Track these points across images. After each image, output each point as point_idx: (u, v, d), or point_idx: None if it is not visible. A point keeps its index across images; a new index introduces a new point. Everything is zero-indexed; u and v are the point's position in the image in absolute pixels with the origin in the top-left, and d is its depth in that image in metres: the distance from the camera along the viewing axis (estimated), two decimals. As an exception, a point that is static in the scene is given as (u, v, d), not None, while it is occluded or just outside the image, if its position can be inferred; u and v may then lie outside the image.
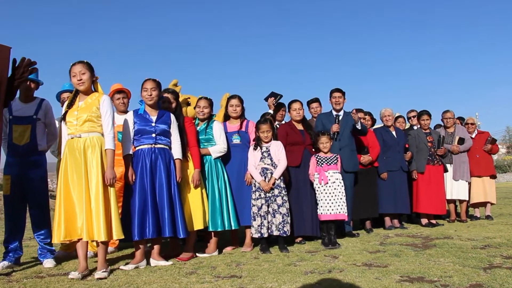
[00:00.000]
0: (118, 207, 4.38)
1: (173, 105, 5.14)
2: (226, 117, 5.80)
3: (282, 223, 5.15)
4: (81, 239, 4.20)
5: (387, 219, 7.00)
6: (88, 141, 4.25)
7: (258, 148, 5.34)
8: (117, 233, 4.28)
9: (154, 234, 4.49)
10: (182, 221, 4.64)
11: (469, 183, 7.68)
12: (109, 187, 4.27)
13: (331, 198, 5.51)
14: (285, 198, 5.27)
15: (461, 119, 8.55)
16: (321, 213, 5.54)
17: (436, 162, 7.26)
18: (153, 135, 4.68)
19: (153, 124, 4.70)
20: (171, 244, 5.33)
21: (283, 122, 6.78)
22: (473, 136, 7.95)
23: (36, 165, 4.95)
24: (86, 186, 4.16)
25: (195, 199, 5.01)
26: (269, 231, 5.19)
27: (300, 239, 5.85)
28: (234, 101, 5.68)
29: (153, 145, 4.67)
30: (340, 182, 5.59)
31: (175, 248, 5.27)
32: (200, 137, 5.33)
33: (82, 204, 4.14)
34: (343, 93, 6.44)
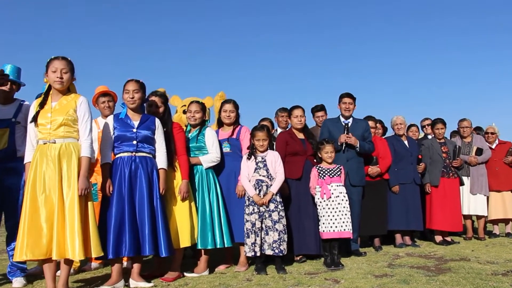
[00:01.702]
0: (96, 221, 3.94)
1: (161, 109, 4.70)
2: (220, 123, 5.33)
3: (278, 241, 4.65)
4: (49, 258, 3.75)
5: (398, 236, 6.45)
6: (63, 147, 3.82)
7: (252, 157, 4.85)
8: (96, 251, 3.84)
9: (131, 252, 4.03)
10: (164, 238, 4.17)
11: (487, 198, 7.09)
12: (86, 200, 3.85)
13: (334, 214, 4.99)
14: (282, 213, 4.76)
15: (478, 129, 7.93)
16: (323, 230, 5.02)
17: (451, 174, 6.69)
18: (134, 142, 4.23)
19: (134, 130, 4.25)
20: (156, 262, 4.85)
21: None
22: (493, 146, 7.35)
23: (14, 172, 4.53)
24: (60, 198, 3.73)
25: (182, 213, 4.54)
26: (261, 249, 4.69)
27: (300, 256, 5.33)
28: (228, 106, 5.22)
29: (134, 153, 4.22)
30: (344, 196, 5.08)
31: (160, 266, 4.79)
32: (190, 145, 4.88)
33: (53, 219, 3.71)
34: (354, 99, 5.93)
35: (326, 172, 5.14)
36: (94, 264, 5.23)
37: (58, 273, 4.03)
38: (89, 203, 3.86)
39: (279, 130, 6.43)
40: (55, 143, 3.82)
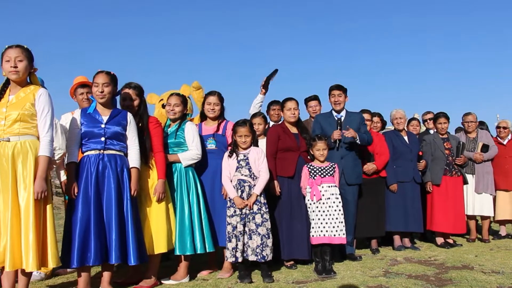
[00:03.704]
0: (54, 227, 3.57)
1: (136, 102, 4.30)
2: (203, 117, 4.93)
3: (261, 246, 4.26)
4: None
5: (396, 237, 6.04)
6: (18, 146, 3.44)
7: (234, 155, 4.45)
8: (53, 260, 3.46)
9: (97, 260, 3.64)
10: (134, 245, 3.78)
11: (494, 197, 6.66)
12: (45, 204, 3.48)
13: (325, 217, 4.60)
14: (266, 216, 4.37)
15: (481, 124, 7.46)
16: (313, 235, 4.63)
17: (454, 172, 6.25)
18: (102, 138, 3.83)
19: (103, 126, 3.85)
20: (132, 268, 4.46)
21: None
22: (505, 142, 6.89)
23: None
24: (14, 202, 3.36)
25: (158, 215, 4.16)
26: (244, 254, 4.31)
27: (291, 262, 4.94)
28: (212, 99, 4.81)
29: (102, 150, 3.82)
30: (337, 198, 4.67)
31: (136, 272, 4.41)
32: (169, 141, 4.48)
33: (6, 225, 3.33)
34: (344, 91, 5.51)
35: (317, 171, 4.73)
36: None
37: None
38: (48, 207, 3.49)
39: (271, 124, 6.03)
40: (9, 140, 3.44)
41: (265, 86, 5.84)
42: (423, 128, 7.47)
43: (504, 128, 6.97)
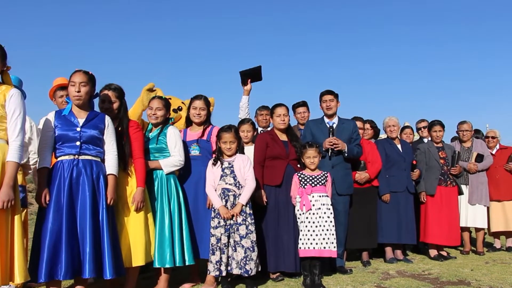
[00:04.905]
0: (23, 239, 3.31)
1: (115, 105, 4.06)
2: (189, 122, 4.70)
3: (245, 259, 4.02)
4: None
5: (388, 249, 5.82)
6: None
7: (219, 163, 4.22)
8: (21, 275, 3.18)
9: (68, 274, 3.37)
10: (110, 257, 3.51)
11: (488, 208, 6.47)
12: (13, 214, 3.21)
13: (315, 229, 4.37)
14: (251, 227, 4.13)
15: (476, 132, 7.30)
16: (302, 247, 4.39)
17: (449, 182, 6.06)
18: (77, 143, 3.58)
19: (78, 129, 3.60)
20: (109, 282, 4.19)
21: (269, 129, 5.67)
22: (494, 152, 6.72)
23: None
24: None
25: (136, 226, 3.90)
26: (229, 267, 4.06)
27: (277, 274, 4.71)
28: (198, 103, 4.59)
29: (77, 155, 3.57)
30: (328, 209, 4.44)
31: (113, 286, 4.15)
32: (150, 146, 4.24)
33: None
34: (336, 96, 5.32)
35: (308, 180, 4.51)
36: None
37: None
38: (16, 218, 3.21)
39: (260, 130, 5.83)
40: None
41: (244, 82, 5.63)
42: (417, 137, 7.29)
43: (493, 137, 6.83)
